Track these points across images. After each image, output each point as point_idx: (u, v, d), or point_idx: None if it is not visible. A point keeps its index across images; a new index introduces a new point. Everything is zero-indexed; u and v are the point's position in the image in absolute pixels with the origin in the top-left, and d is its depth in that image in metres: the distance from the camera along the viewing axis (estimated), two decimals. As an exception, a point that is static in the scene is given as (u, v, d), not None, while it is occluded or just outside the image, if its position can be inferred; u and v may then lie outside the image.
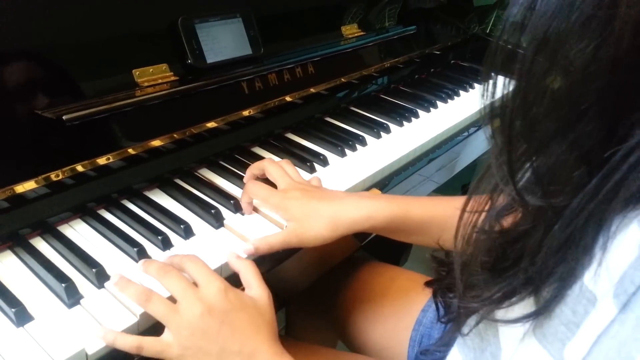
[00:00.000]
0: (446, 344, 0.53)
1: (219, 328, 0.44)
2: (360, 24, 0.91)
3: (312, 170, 0.72)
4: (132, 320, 0.45)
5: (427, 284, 0.57)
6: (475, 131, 0.98)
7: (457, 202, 0.47)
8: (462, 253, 0.39)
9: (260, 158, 0.72)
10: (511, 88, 0.32)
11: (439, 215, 0.58)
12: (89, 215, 0.56)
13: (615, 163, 0.28)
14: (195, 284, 0.47)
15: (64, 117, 0.48)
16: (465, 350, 0.40)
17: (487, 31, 1.35)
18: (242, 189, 0.64)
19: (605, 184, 0.28)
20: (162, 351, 0.44)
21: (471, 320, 0.39)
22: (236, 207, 0.61)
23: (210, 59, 0.64)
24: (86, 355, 0.42)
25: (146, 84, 0.58)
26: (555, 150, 0.31)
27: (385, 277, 0.80)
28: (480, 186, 0.37)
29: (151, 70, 0.58)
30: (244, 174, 0.67)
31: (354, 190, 0.70)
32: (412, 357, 0.71)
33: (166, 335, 0.45)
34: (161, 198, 0.61)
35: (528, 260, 0.33)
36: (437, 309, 0.51)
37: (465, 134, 0.95)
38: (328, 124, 0.85)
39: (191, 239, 0.56)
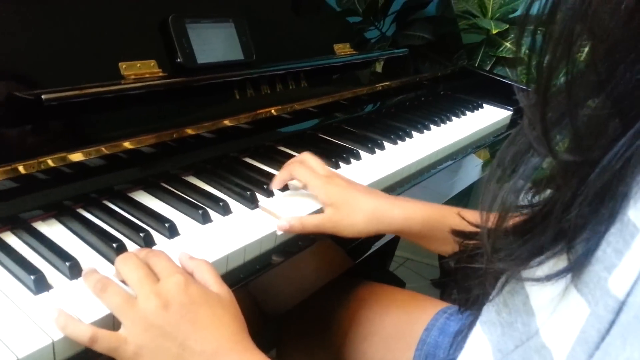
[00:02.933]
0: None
1: (177, 324, 0.39)
2: (353, 43, 0.91)
3: (304, 181, 0.69)
4: (102, 313, 0.40)
5: (435, 284, 0.54)
6: (471, 152, 0.97)
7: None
8: (489, 217, 0.36)
9: (252, 166, 0.69)
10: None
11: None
12: (66, 213, 0.51)
13: None
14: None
15: (42, 97, 0.44)
16: (490, 328, 0.36)
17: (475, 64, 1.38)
18: (231, 196, 0.61)
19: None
20: (116, 347, 0.39)
21: (499, 284, 0.35)
22: (225, 209, 0.57)
23: (201, 59, 0.63)
24: (53, 349, 0.37)
25: (132, 77, 0.55)
26: (590, 104, 0.29)
27: (385, 297, 0.75)
28: (509, 151, 0.35)
29: (139, 65, 0.56)
30: (234, 181, 0.63)
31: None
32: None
33: (122, 330, 0.39)
34: (145, 199, 0.57)
35: (560, 212, 0.30)
36: (456, 295, 0.47)
37: (461, 156, 0.93)
38: (322, 140, 0.83)
39: (176, 238, 0.52)
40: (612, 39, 0.28)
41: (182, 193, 0.59)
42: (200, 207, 0.55)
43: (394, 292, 0.77)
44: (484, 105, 1.17)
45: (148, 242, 0.49)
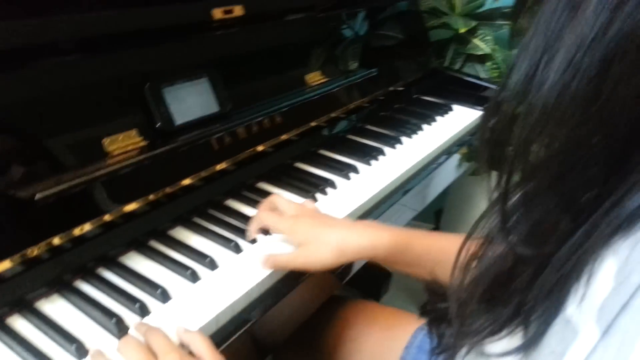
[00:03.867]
0: None
1: None
2: (324, 68, 0.94)
3: (286, 219, 0.73)
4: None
5: (422, 313, 0.59)
6: (446, 159, 1.02)
7: (456, 238, 0.51)
8: (459, 286, 0.42)
9: (234, 211, 0.74)
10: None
11: (439, 249, 0.61)
12: (67, 288, 0.56)
13: (600, 216, 0.30)
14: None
15: (35, 197, 0.48)
16: None
17: (445, 64, 1.41)
18: (218, 244, 0.66)
19: (591, 234, 0.31)
20: None
21: (463, 351, 0.41)
22: (212, 264, 0.62)
23: (179, 120, 0.66)
24: None
25: (117, 151, 0.59)
26: (545, 203, 0.34)
27: (367, 315, 0.81)
28: (477, 228, 0.40)
29: (121, 137, 0.60)
30: (219, 229, 0.68)
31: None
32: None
33: None
34: (137, 262, 0.62)
35: (519, 298, 0.35)
36: (431, 339, 0.53)
37: (435, 165, 0.99)
38: (299, 170, 0.87)
39: (169, 302, 0.56)
40: (563, 146, 0.33)
41: (171, 249, 0.64)
42: (188, 268, 0.60)
43: (376, 309, 0.83)
44: (453, 106, 1.21)
45: (143, 312, 0.54)
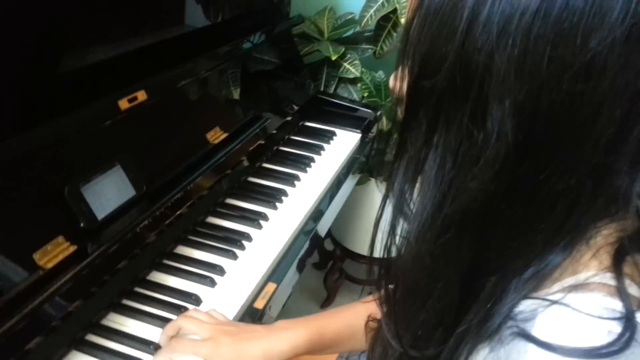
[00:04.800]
0: None
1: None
2: (220, 121, 0.99)
3: (212, 283, 0.79)
4: None
5: None
6: (343, 182, 1.13)
7: (366, 307, 0.60)
8: None
9: (159, 284, 0.77)
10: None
11: (351, 325, 0.70)
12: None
13: (465, 329, 0.41)
14: None
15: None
16: None
17: (321, 88, 1.52)
18: (151, 324, 0.69)
19: (460, 342, 0.41)
20: None
21: None
22: (156, 348, 0.66)
23: (100, 214, 0.68)
24: None
25: (49, 264, 0.59)
26: (419, 317, 0.44)
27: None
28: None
29: (49, 247, 0.60)
30: (150, 309, 0.71)
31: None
32: None
33: None
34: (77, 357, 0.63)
35: None
36: None
37: (333, 191, 1.10)
38: (213, 227, 0.92)
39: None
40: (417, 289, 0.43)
41: (112, 341, 0.66)
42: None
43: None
44: (337, 131, 1.33)
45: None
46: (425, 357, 0.44)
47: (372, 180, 1.58)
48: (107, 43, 0.76)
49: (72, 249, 0.63)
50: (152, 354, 0.65)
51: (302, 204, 1.01)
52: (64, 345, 0.63)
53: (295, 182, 1.08)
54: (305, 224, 0.98)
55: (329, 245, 1.89)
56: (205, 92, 0.96)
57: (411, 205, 0.41)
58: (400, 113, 0.43)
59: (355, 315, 0.71)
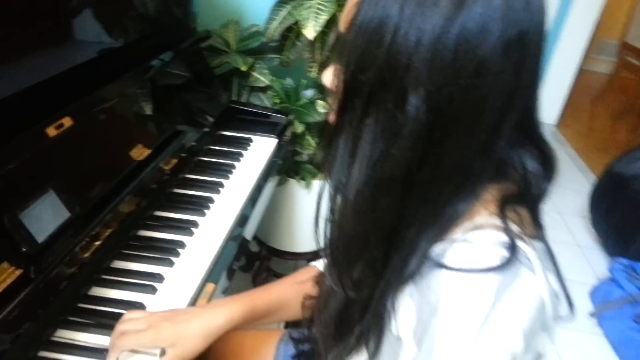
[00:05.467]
0: None
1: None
2: (142, 138, 1.03)
3: (154, 290, 0.84)
4: None
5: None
6: (264, 185, 1.21)
7: (296, 278, 0.70)
8: (317, 327, 0.61)
9: (102, 298, 0.81)
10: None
11: (280, 297, 0.80)
12: None
13: (391, 274, 0.52)
14: None
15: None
16: None
17: (233, 98, 1.59)
18: (101, 334, 0.74)
19: (388, 285, 0.53)
20: None
21: None
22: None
23: (40, 238, 0.71)
24: None
25: (-3, 290, 0.63)
26: (356, 265, 0.55)
27: (234, 342, 0.97)
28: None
29: (-5, 274, 0.64)
30: (98, 319, 0.76)
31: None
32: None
33: None
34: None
35: (358, 328, 0.56)
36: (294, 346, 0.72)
37: (257, 194, 1.18)
38: (145, 239, 0.97)
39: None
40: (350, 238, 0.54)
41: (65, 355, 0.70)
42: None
43: (240, 336, 0.99)
44: (253, 137, 1.41)
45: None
46: (361, 297, 0.55)
47: (290, 180, 1.68)
48: (21, 74, 0.79)
49: (18, 272, 0.66)
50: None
51: (228, 208, 1.08)
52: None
53: (220, 189, 1.15)
54: (233, 229, 1.05)
55: (253, 247, 1.97)
56: (125, 113, 1.01)
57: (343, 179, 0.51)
58: (332, 102, 0.54)
59: (283, 290, 0.81)
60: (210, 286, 0.90)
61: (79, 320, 0.76)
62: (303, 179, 1.67)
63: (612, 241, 2.20)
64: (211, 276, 0.92)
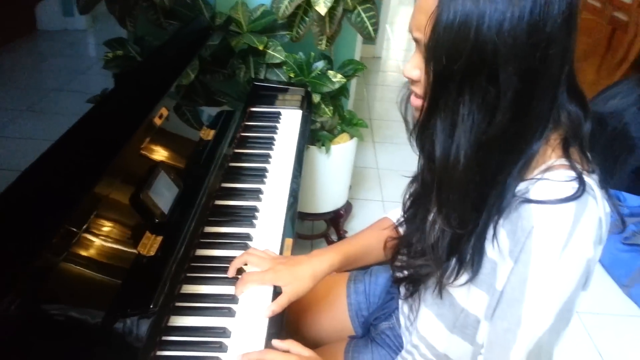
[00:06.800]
0: (388, 312, 0.94)
1: None
2: (207, 121, 1.16)
3: (246, 247, 0.99)
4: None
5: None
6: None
7: (376, 227, 0.86)
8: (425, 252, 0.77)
9: (206, 258, 0.96)
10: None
11: (366, 245, 0.96)
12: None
13: (489, 211, 0.68)
14: None
15: None
16: (431, 307, 0.80)
17: (252, 75, 1.71)
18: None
19: (487, 220, 0.68)
20: None
21: (430, 290, 0.79)
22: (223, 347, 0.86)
23: (165, 210, 0.85)
24: None
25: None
26: (461, 206, 0.69)
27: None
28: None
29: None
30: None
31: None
32: (357, 328, 1.08)
33: None
34: None
35: (458, 254, 0.72)
36: (399, 292, 0.89)
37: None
38: (225, 207, 1.11)
39: None
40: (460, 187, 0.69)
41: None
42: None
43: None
44: (281, 111, 1.54)
45: None
46: (467, 232, 0.70)
47: (311, 147, 1.82)
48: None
49: (159, 239, 0.80)
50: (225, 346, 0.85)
51: (282, 174, 1.23)
52: None
53: (269, 160, 1.29)
54: (291, 192, 1.20)
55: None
56: (190, 100, 1.13)
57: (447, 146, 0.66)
58: (417, 89, 0.68)
59: (368, 238, 0.98)
60: (289, 240, 1.05)
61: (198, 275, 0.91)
62: (323, 145, 1.82)
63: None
64: (285, 233, 1.07)
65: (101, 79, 0.99)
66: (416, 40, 0.67)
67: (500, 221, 0.67)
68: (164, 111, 0.90)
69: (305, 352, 0.79)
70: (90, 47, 1.04)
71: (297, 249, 1.02)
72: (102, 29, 1.05)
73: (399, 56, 4.43)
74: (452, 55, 0.61)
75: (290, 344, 0.80)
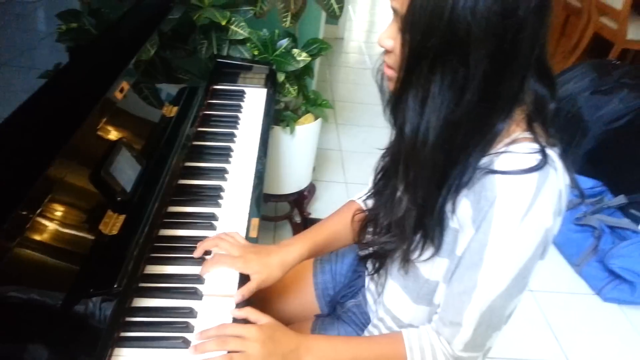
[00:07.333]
0: (355, 290, 0.95)
1: (274, 348, 0.74)
2: (167, 97, 1.12)
3: (214, 228, 0.97)
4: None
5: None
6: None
7: (342, 212, 0.86)
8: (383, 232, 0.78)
9: (170, 238, 0.93)
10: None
11: (334, 231, 0.97)
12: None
13: (451, 184, 0.69)
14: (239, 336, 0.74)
15: None
16: (397, 279, 0.81)
17: (214, 52, 1.66)
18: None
19: (448, 192, 0.69)
20: None
21: (396, 264, 0.79)
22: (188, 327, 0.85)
23: (128, 188, 0.82)
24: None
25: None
26: (426, 183, 0.70)
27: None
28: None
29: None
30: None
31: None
32: (324, 307, 1.09)
33: None
34: None
35: (422, 228, 0.73)
36: (366, 268, 0.90)
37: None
38: (190, 186, 1.08)
39: None
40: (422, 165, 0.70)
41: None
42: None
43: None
44: (245, 89, 1.50)
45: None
46: (429, 206, 0.71)
47: (275, 127, 1.80)
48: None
49: (122, 217, 0.77)
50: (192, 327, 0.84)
51: (248, 154, 1.21)
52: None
53: (234, 139, 1.26)
54: (256, 171, 1.18)
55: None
56: (151, 75, 1.09)
57: (415, 123, 0.66)
58: (389, 60, 0.68)
59: (335, 224, 0.98)
60: (255, 220, 1.04)
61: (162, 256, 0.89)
62: (287, 125, 1.80)
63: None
64: (251, 213, 1.06)
65: (54, 54, 0.94)
66: (394, 10, 0.67)
67: (464, 191, 0.69)
68: (125, 85, 0.86)
69: (264, 318, 0.79)
70: (41, 19, 0.98)
71: (260, 231, 1.00)
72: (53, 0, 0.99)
73: (361, 37, 4.42)
74: (426, 33, 0.61)
75: (247, 312, 0.79)
